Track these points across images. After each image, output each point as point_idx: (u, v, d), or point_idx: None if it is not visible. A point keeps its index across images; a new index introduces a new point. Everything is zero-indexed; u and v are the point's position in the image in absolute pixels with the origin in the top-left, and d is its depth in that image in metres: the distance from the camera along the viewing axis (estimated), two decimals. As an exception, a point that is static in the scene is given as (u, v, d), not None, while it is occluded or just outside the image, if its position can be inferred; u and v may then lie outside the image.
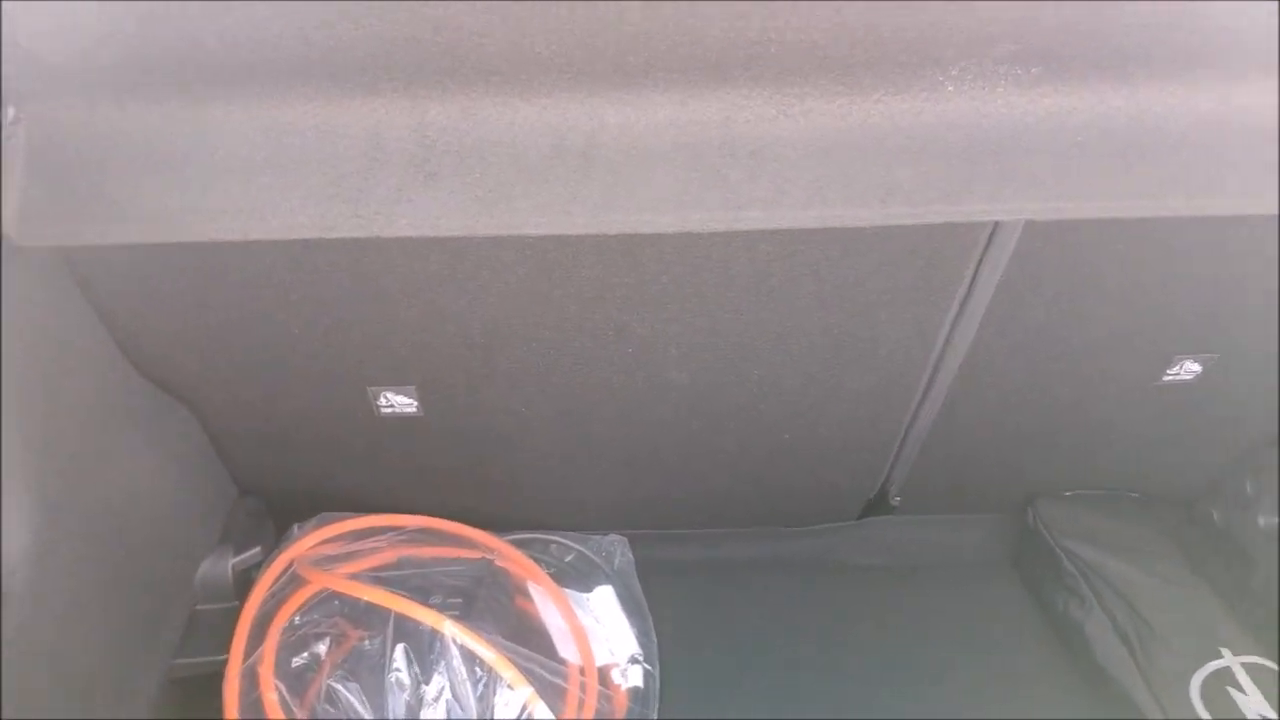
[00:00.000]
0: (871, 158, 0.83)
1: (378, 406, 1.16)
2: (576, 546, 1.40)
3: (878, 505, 1.46)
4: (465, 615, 1.19)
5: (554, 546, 1.41)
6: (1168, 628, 1.19)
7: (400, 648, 1.08)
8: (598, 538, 1.42)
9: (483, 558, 1.29)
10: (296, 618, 1.15)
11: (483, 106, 0.80)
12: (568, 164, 0.82)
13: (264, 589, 1.18)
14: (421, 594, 1.21)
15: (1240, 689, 1.12)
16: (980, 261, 1.01)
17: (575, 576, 1.38)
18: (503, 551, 1.34)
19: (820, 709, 1.24)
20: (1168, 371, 1.18)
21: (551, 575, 1.37)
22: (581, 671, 1.23)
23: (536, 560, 1.39)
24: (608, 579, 1.37)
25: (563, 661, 1.22)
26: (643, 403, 1.17)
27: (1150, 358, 1.16)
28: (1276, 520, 1.29)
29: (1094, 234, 0.96)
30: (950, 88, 0.82)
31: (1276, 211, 0.86)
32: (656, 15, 0.73)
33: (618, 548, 1.41)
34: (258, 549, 1.29)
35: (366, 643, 1.11)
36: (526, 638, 1.23)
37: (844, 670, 1.29)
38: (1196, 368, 1.18)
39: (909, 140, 0.83)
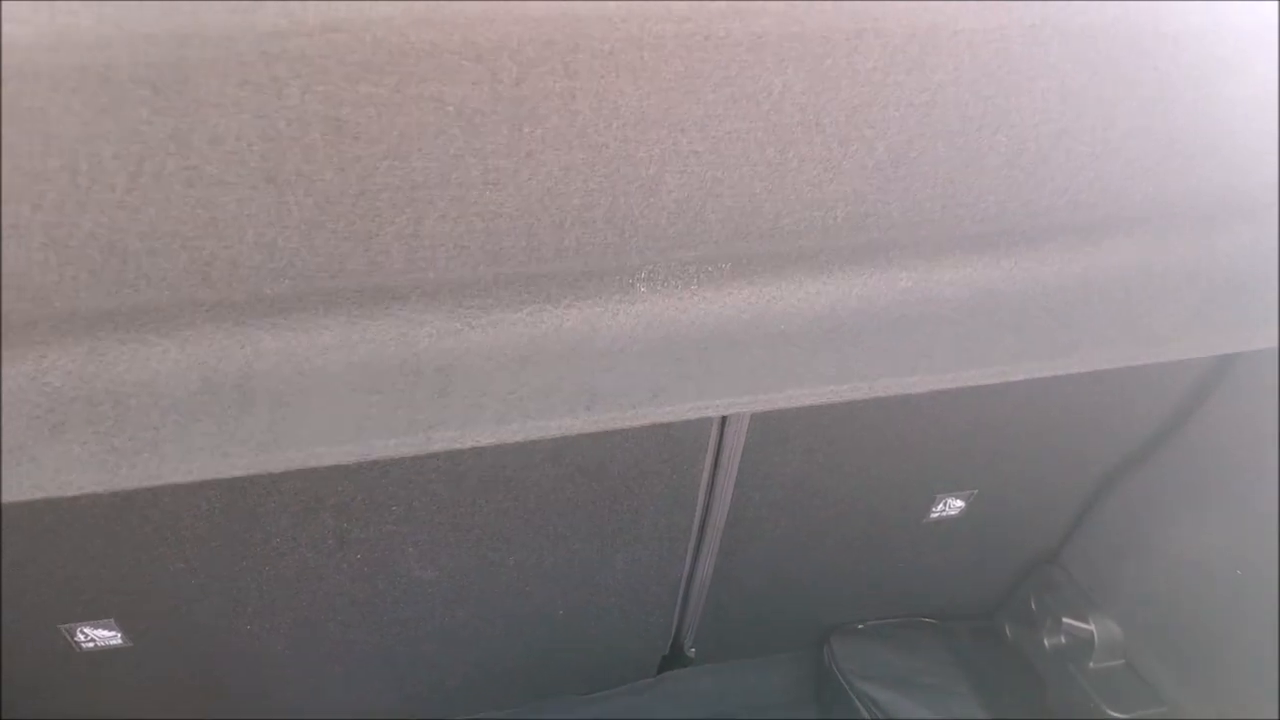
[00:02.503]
0: (569, 364, 0.77)
1: (77, 643, 1.02)
2: (346, 750, 1.27)
3: (675, 659, 1.39)
4: None
5: (323, 754, 1.27)
6: (960, 776, 1.15)
7: None
8: (371, 735, 1.29)
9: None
10: None
11: (110, 346, 0.70)
12: (221, 400, 0.72)
13: None
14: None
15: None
16: (721, 435, 0.98)
17: (346, 784, 1.24)
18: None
19: None
20: (934, 509, 1.17)
21: (320, 786, 1.24)
22: None
23: (304, 771, 1.25)
24: (382, 784, 1.24)
25: None
26: (390, 602, 1.07)
27: (913, 498, 1.14)
28: (1062, 640, 1.28)
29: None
30: (643, 289, 0.76)
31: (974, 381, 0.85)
32: (290, 238, 0.65)
33: (396, 745, 1.29)
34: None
35: None
36: None
37: None
38: (959, 503, 1.17)
39: (608, 343, 0.77)
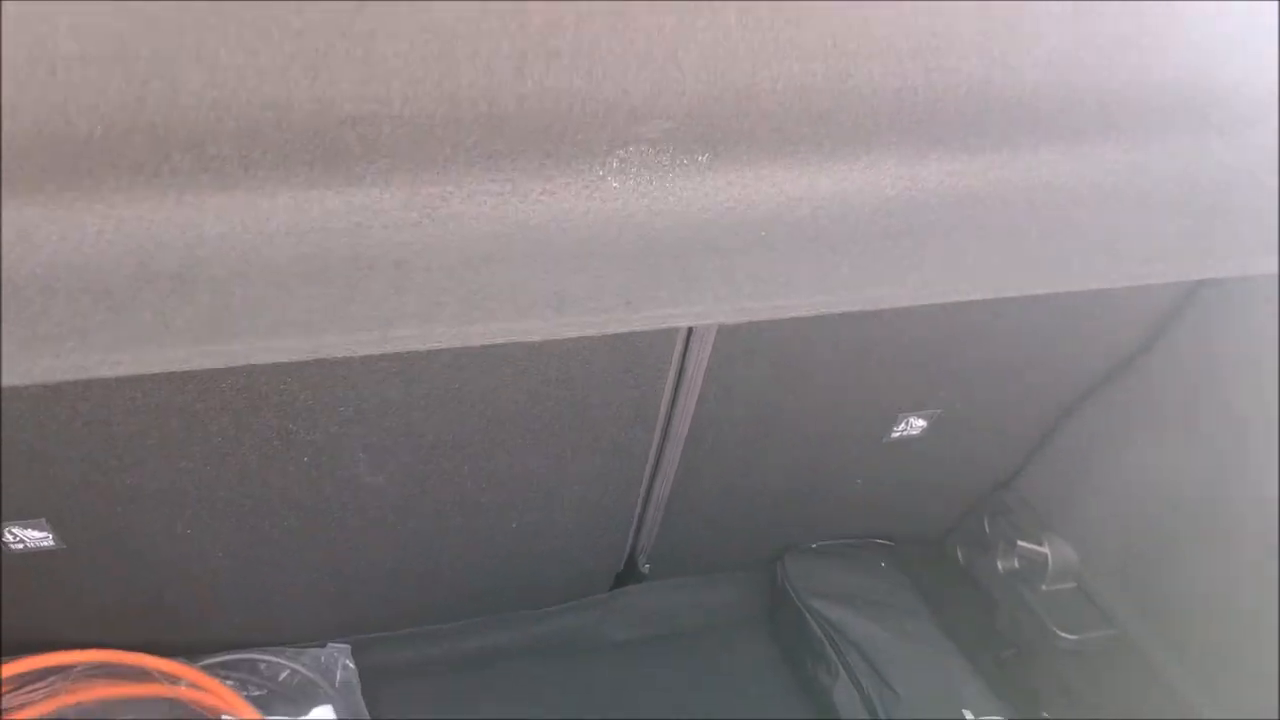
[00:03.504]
0: (537, 263, 0.72)
1: (5, 544, 0.96)
2: (290, 663, 1.24)
3: (629, 575, 1.38)
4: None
5: (263, 666, 1.24)
6: (912, 692, 1.16)
7: None
8: (315, 650, 1.26)
9: (163, 696, 1.11)
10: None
11: (39, 224, 0.64)
12: (158, 288, 0.66)
13: None
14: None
15: (980, 753, 1.11)
16: (686, 348, 0.94)
17: (289, 698, 1.22)
18: (195, 681, 1.16)
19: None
20: (895, 428, 1.15)
21: (260, 699, 1.21)
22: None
23: (243, 684, 1.22)
24: (327, 697, 1.22)
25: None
26: (337, 509, 1.03)
27: (876, 417, 1.13)
28: (1014, 564, 1.29)
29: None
30: (613, 183, 0.72)
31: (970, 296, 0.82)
32: (240, 92, 0.59)
33: (339, 658, 1.26)
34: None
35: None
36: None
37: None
38: (921, 423, 1.15)
39: (578, 243, 0.72)
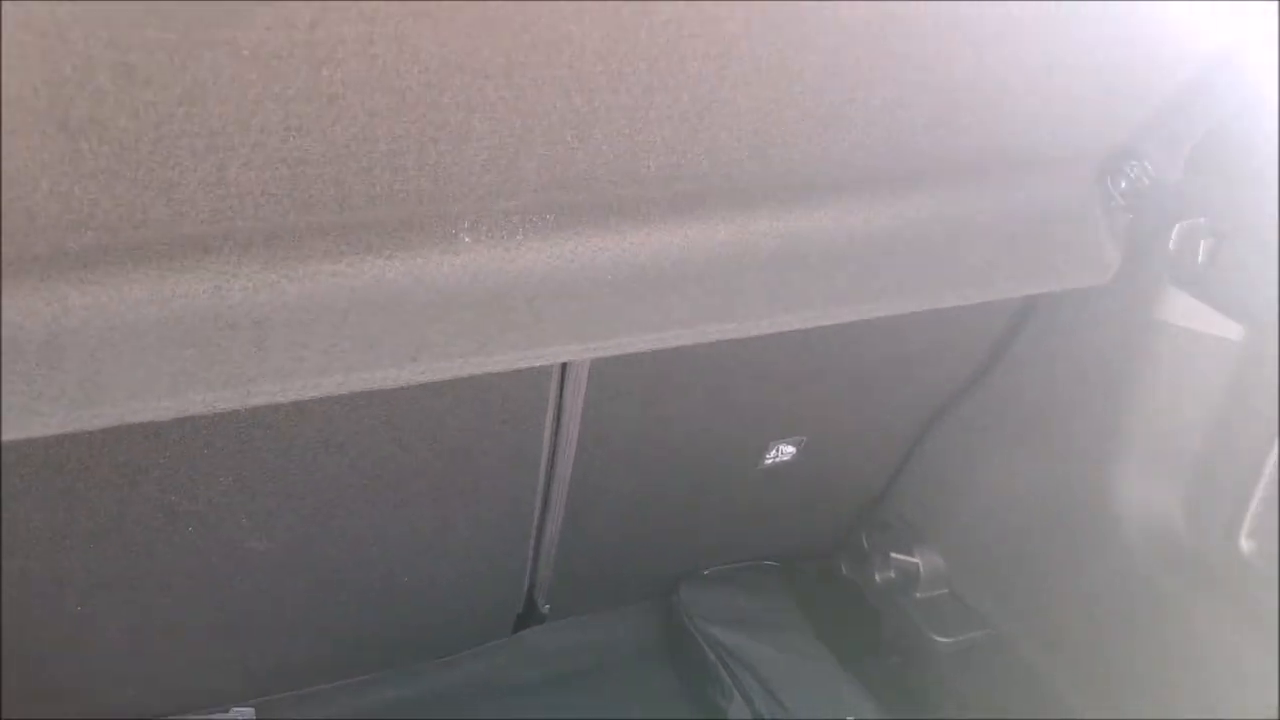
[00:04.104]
0: (393, 316, 0.77)
1: None
2: (192, 731, 1.24)
3: (529, 616, 1.42)
4: None
5: (167, 736, 1.24)
6: (801, 708, 1.22)
7: None
8: (218, 716, 1.26)
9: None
10: None
11: None
12: (26, 358, 0.70)
13: None
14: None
15: (864, 760, 1.17)
16: (561, 391, 1.00)
17: (195, 764, 1.22)
18: (97, 757, 1.16)
19: None
20: (767, 455, 1.22)
21: (166, 767, 1.21)
22: None
23: (146, 752, 1.22)
24: (232, 761, 1.22)
25: None
26: (226, 576, 1.05)
27: (747, 446, 1.19)
28: (891, 574, 1.37)
29: (666, 355, 0.98)
30: (467, 239, 0.78)
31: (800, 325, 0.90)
32: (88, 187, 0.63)
33: (243, 720, 1.27)
34: None
35: None
36: None
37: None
38: (790, 449, 1.23)
39: (433, 295, 0.78)
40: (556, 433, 1.07)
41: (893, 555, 1.34)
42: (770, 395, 1.12)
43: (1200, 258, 0.94)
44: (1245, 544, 0.96)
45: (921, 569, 1.32)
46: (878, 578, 1.37)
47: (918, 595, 1.32)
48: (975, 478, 1.28)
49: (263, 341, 0.75)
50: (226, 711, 1.27)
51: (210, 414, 0.87)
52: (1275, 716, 0.92)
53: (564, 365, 0.99)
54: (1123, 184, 0.96)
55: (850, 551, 1.46)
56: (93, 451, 0.84)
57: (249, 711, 1.28)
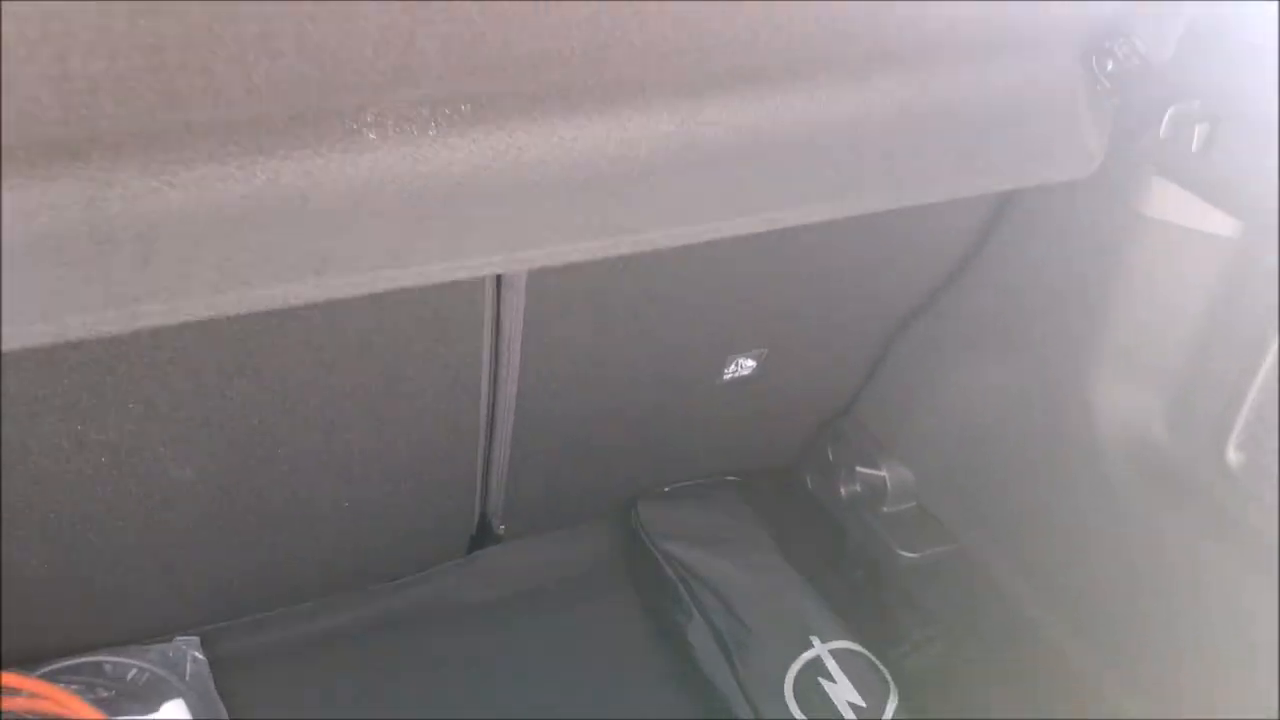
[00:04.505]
0: (292, 225, 0.69)
1: None
2: (136, 661, 1.19)
3: (484, 537, 1.37)
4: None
5: (109, 667, 1.19)
6: (762, 625, 1.18)
7: None
8: (161, 645, 1.22)
9: (-6, 712, 1.06)
10: None
11: None
12: None
13: None
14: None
15: (830, 678, 1.14)
16: (499, 307, 0.93)
17: (139, 696, 1.17)
18: (33, 690, 1.11)
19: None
20: (726, 370, 1.16)
21: (109, 700, 1.16)
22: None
23: (90, 687, 1.17)
24: (177, 692, 1.18)
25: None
26: (150, 507, 0.99)
27: (706, 360, 1.13)
28: (857, 488, 1.32)
29: (610, 266, 0.91)
30: (371, 135, 0.69)
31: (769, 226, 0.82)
32: None
33: (188, 651, 1.22)
34: None
35: None
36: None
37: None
38: (751, 362, 1.16)
39: (337, 200, 0.69)
40: (497, 352, 1.00)
41: (858, 469, 1.30)
42: (728, 306, 1.05)
43: (1194, 145, 0.86)
44: (1234, 456, 0.91)
45: (889, 482, 1.27)
46: (843, 491, 1.33)
47: (884, 510, 1.28)
48: (944, 387, 1.23)
49: (147, 257, 0.67)
50: (170, 640, 1.23)
51: (105, 339, 0.81)
52: (1276, 717, 0.87)
53: (499, 279, 0.92)
54: (1109, 65, 0.87)
55: (815, 465, 1.41)
56: None
57: (193, 639, 1.23)
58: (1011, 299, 1.10)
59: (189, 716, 1.15)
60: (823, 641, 1.16)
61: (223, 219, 0.68)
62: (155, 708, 1.15)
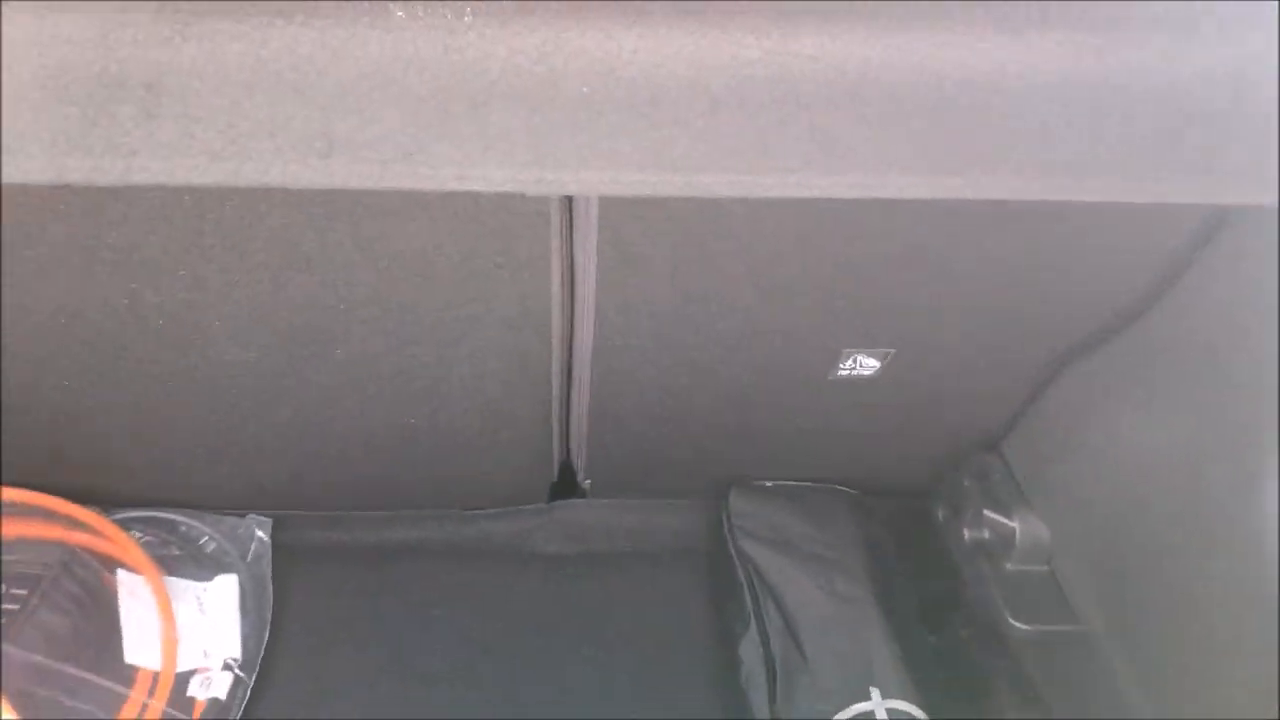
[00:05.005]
0: (303, 98, 0.62)
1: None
2: (208, 529, 1.22)
3: (569, 488, 1.30)
4: (24, 609, 1.02)
5: (183, 528, 1.23)
6: (822, 660, 1.03)
7: None
8: (234, 519, 1.24)
9: (59, 539, 1.11)
10: None
11: None
12: None
13: None
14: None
15: (877, 741, 0.98)
16: (571, 237, 0.84)
17: (201, 562, 1.20)
18: (99, 528, 1.15)
19: (456, 711, 1.10)
20: (841, 365, 1.01)
21: (177, 558, 1.20)
22: (155, 678, 1.06)
23: (164, 542, 1.22)
24: (233, 568, 1.19)
25: (129, 668, 1.06)
26: (215, 381, 0.99)
27: (813, 350, 0.99)
28: (984, 534, 1.14)
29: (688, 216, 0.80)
30: (400, 13, 0.61)
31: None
32: None
33: (255, 530, 1.23)
34: None
35: None
36: (94, 637, 1.06)
37: (484, 671, 1.14)
38: (873, 362, 1.01)
39: (353, 80, 0.62)
40: (573, 295, 0.92)
41: (986, 513, 1.11)
42: (840, 288, 0.91)
43: None
44: None
45: (1018, 535, 1.08)
46: (967, 534, 1.15)
47: (1008, 566, 1.09)
48: (1101, 439, 1.02)
49: (152, 110, 0.63)
50: (244, 516, 1.25)
51: (146, 195, 0.79)
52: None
53: (570, 209, 0.83)
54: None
55: (949, 496, 1.23)
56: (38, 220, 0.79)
57: (266, 521, 1.25)
58: (1202, 347, 0.89)
59: (236, 593, 1.16)
60: (884, 697, 1.00)
61: (232, 82, 0.62)
62: (210, 577, 1.17)
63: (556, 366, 1.02)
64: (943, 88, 0.64)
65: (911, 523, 1.28)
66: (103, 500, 1.19)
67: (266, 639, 1.14)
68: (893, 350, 0.99)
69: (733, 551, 1.16)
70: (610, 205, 0.80)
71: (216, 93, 0.62)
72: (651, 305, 0.92)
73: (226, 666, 1.09)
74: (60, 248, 0.83)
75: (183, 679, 1.07)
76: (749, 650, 1.07)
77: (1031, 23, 0.63)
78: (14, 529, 1.10)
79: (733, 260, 0.86)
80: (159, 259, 0.84)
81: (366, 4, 0.60)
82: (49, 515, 1.14)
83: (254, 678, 1.10)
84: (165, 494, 1.21)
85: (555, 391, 1.06)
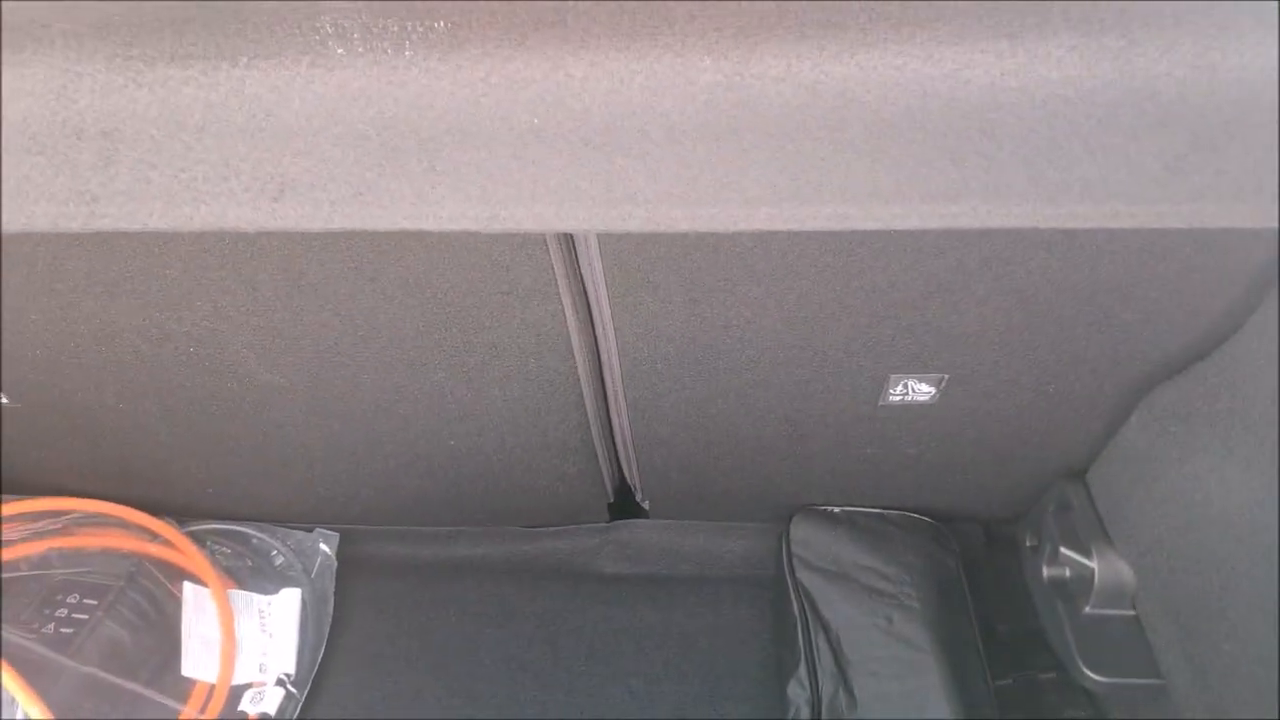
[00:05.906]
0: (252, 141, 0.61)
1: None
2: (277, 543, 1.26)
3: (628, 507, 1.27)
4: (90, 619, 1.08)
5: (255, 541, 1.27)
6: (871, 705, 0.96)
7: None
8: (300, 533, 1.27)
9: (131, 550, 1.16)
10: None
11: None
12: None
13: None
14: (49, 594, 1.10)
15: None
16: (576, 262, 0.82)
17: (270, 576, 1.24)
18: (171, 539, 1.20)
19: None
20: (891, 391, 0.94)
21: (250, 570, 1.24)
22: (210, 692, 1.10)
23: (239, 555, 1.26)
24: (297, 581, 1.22)
25: (186, 681, 1.10)
26: (251, 403, 1.01)
27: (854, 374, 0.92)
28: (1063, 573, 1.04)
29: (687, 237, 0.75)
30: (339, 50, 0.59)
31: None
32: None
33: (320, 545, 1.26)
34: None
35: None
36: (153, 649, 1.10)
37: (526, 698, 1.13)
38: (927, 388, 0.93)
39: (301, 120, 0.61)
40: (591, 321, 0.89)
41: (1063, 550, 1.01)
42: (876, 313, 0.84)
43: None
44: None
45: (1098, 576, 0.98)
46: (1045, 572, 1.05)
47: (1086, 610, 0.99)
48: (1187, 475, 0.90)
49: (111, 157, 0.63)
50: (310, 530, 1.28)
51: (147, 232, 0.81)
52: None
53: (570, 236, 0.79)
54: None
55: (1033, 524, 1.13)
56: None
57: (333, 535, 1.27)
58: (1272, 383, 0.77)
59: (299, 608, 1.19)
60: (933, 752, 0.92)
61: (185, 127, 0.62)
62: (275, 590, 1.20)
63: (589, 391, 0.99)
64: (929, 105, 0.57)
65: (992, 554, 1.18)
66: (179, 513, 1.24)
67: (321, 655, 1.15)
68: (946, 375, 0.91)
69: (789, 581, 1.10)
70: (608, 235, 0.76)
71: (171, 138, 0.62)
72: (670, 332, 0.87)
73: (280, 682, 1.12)
74: (83, 280, 0.86)
75: (236, 693, 1.10)
76: (796, 690, 1.01)
77: (1034, 26, 0.55)
78: (92, 540, 1.16)
79: (752, 287, 0.81)
80: (175, 291, 0.86)
81: (301, 39, 0.58)
82: (124, 526, 1.19)
83: (305, 694, 1.11)
84: (236, 507, 1.25)
85: (592, 415, 1.03)
